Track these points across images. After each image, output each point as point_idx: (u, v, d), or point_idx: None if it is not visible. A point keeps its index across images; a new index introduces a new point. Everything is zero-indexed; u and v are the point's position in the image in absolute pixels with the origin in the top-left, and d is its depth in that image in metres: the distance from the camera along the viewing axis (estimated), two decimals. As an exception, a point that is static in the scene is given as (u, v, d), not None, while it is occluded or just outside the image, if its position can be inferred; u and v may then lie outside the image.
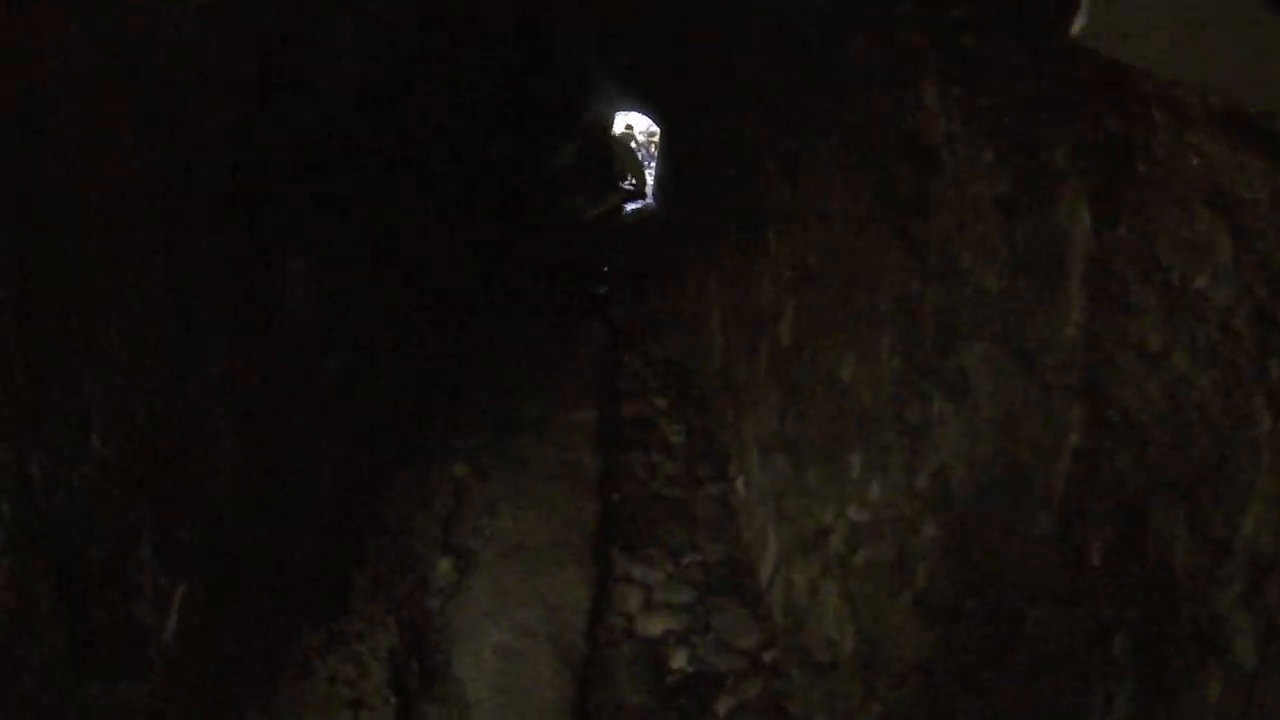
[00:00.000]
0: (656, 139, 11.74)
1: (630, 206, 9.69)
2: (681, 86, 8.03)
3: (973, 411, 2.49)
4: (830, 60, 3.84)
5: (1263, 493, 1.60)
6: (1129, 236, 1.99)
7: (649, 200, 9.19)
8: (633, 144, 12.96)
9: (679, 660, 4.27)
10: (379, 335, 4.64)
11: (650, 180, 11.08)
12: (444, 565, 4.29)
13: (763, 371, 4.94)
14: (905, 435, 2.89)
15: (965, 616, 2.51)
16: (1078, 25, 1.73)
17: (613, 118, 11.74)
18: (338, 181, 3.97)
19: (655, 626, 4.46)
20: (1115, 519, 1.94)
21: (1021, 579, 2.22)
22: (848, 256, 3.66)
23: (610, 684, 4.05)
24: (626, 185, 11.23)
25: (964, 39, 2.67)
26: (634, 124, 13.64)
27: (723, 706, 4.02)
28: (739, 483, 5.37)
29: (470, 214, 7.05)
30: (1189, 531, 1.74)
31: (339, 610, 3.73)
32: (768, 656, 4.27)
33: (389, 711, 3.37)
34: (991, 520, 2.40)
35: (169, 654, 2.59)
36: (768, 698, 4.04)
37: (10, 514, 2.03)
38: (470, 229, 7.06)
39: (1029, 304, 2.30)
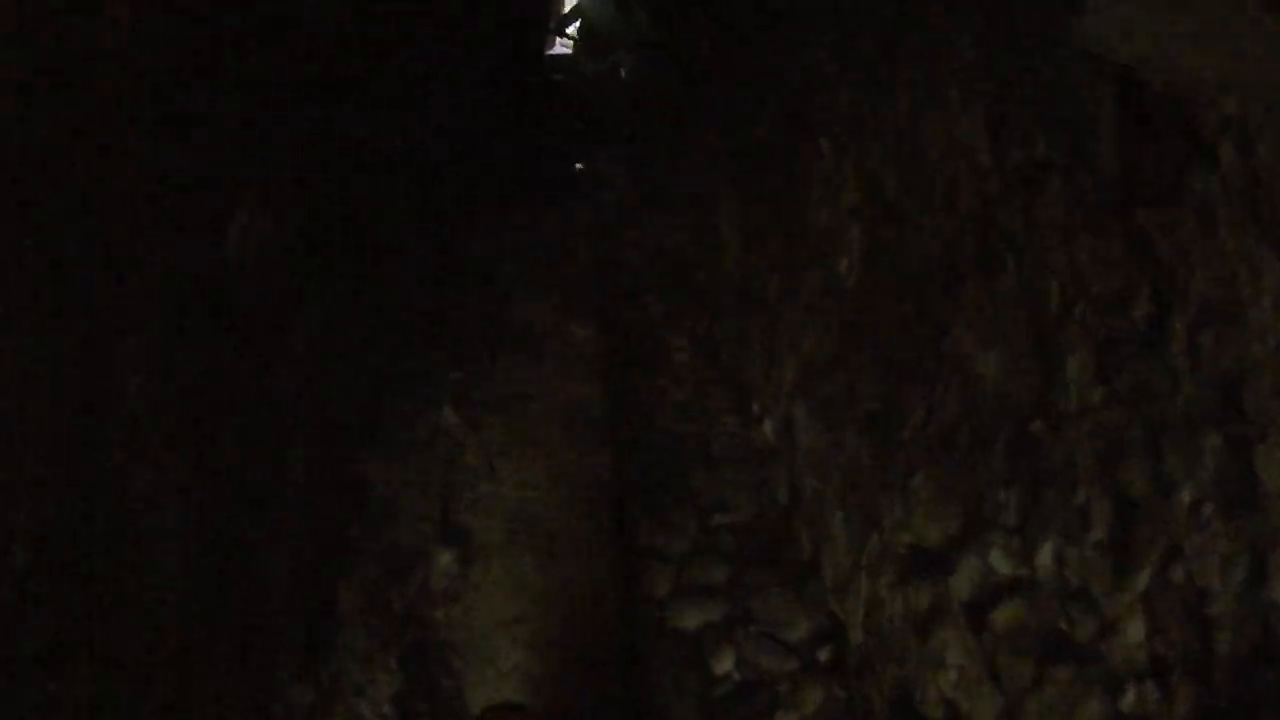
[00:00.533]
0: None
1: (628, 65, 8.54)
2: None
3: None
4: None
5: None
6: None
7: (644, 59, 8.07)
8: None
9: (724, 663, 3.66)
10: (358, 268, 3.74)
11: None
12: (445, 559, 3.56)
13: (806, 305, 4.16)
14: (1109, 503, 2.17)
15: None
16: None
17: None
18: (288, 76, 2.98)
19: (691, 618, 3.83)
20: None
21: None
22: (980, 212, 2.85)
23: (655, 707, 3.43)
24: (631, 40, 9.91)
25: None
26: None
27: (782, 725, 3.45)
28: (766, 426, 4.68)
29: (452, 74, 5.97)
30: None
31: (328, 648, 3.00)
32: (823, 654, 3.69)
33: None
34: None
35: None
36: (833, 713, 3.47)
37: None
38: (452, 89, 5.99)
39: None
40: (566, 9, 9.45)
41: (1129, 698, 2.11)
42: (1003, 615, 2.56)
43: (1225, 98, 1.81)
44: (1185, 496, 1.94)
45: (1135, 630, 2.10)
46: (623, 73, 8.46)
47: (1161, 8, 1.83)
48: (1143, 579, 2.07)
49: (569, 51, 9.05)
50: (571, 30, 9.34)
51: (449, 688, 3.19)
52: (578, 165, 7.37)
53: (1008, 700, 2.49)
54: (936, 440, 3.06)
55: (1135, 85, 2.14)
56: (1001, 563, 2.58)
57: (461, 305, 5.11)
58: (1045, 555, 2.38)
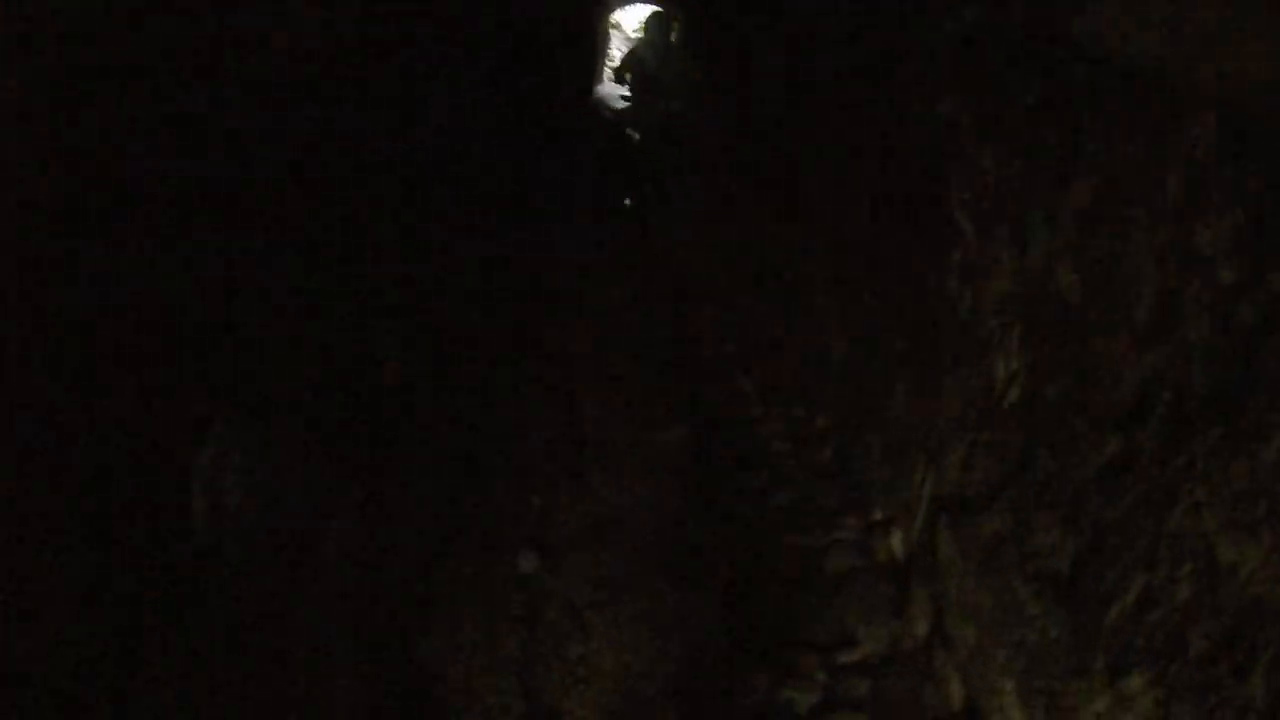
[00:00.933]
0: (648, 33, 9.85)
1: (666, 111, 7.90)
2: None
3: None
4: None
5: None
6: None
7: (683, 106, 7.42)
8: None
9: None
10: (401, 436, 3.13)
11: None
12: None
13: (955, 415, 3.47)
14: None
15: None
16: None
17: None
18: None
19: (832, 805, 3.17)
20: None
21: None
22: (1220, 346, 2.16)
23: None
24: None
25: None
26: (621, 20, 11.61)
27: None
28: (895, 538, 3.99)
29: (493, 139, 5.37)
30: None
31: None
32: None
33: None
34: None
35: None
36: None
37: None
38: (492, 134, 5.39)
39: None
40: (618, 60, 8.91)
41: None
42: None
43: None
44: None
45: None
46: (682, 124, 7.78)
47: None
48: None
49: (626, 103, 8.44)
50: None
51: None
52: (644, 228, 6.70)
53: None
54: (1159, 636, 2.36)
55: None
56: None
57: (534, 415, 4.47)
58: None
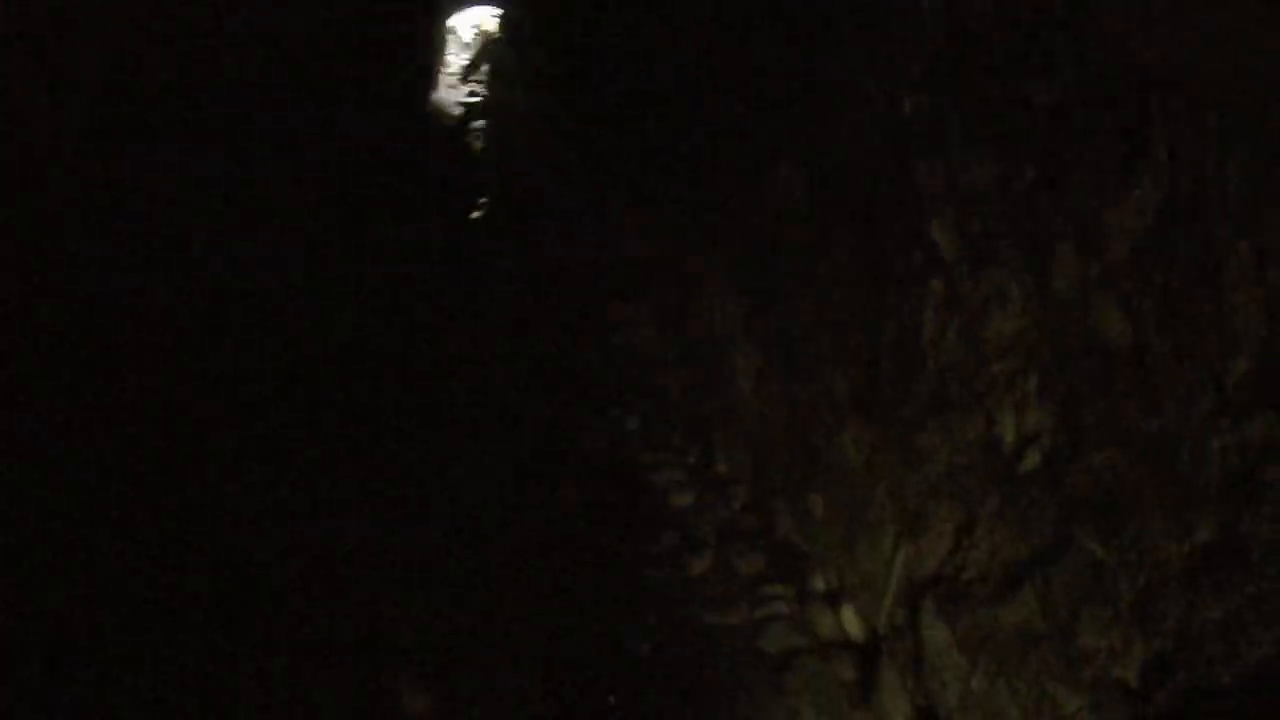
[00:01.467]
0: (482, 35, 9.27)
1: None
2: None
3: None
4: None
5: None
6: None
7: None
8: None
9: None
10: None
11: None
12: None
13: (941, 477, 2.89)
14: None
15: None
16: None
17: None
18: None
19: None
20: None
21: None
22: None
23: None
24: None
25: None
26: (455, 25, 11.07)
27: None
28: (847, 611, 3.40)
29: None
30: None
31: None
32: None
33: None
34: None
35: None
36: None
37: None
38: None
39: None
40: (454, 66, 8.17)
41: None
42: None
43: None
44: None
45: None
46: (536, 126, 7.05)
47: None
48: None
49: (465, 110, 7.69)
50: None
51: None
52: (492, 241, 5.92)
53: None
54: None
55: None
56: None
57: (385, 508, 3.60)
58: None
